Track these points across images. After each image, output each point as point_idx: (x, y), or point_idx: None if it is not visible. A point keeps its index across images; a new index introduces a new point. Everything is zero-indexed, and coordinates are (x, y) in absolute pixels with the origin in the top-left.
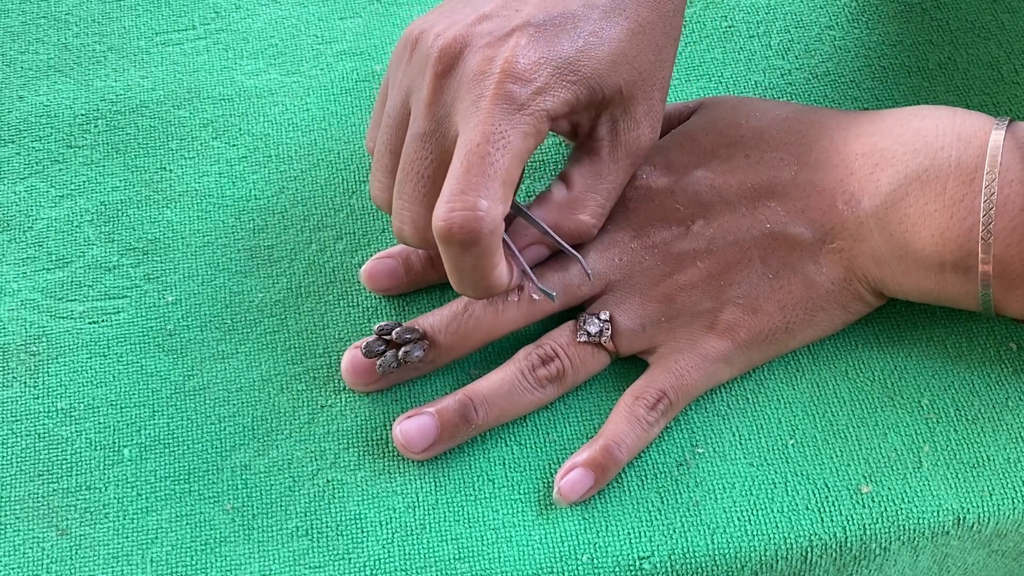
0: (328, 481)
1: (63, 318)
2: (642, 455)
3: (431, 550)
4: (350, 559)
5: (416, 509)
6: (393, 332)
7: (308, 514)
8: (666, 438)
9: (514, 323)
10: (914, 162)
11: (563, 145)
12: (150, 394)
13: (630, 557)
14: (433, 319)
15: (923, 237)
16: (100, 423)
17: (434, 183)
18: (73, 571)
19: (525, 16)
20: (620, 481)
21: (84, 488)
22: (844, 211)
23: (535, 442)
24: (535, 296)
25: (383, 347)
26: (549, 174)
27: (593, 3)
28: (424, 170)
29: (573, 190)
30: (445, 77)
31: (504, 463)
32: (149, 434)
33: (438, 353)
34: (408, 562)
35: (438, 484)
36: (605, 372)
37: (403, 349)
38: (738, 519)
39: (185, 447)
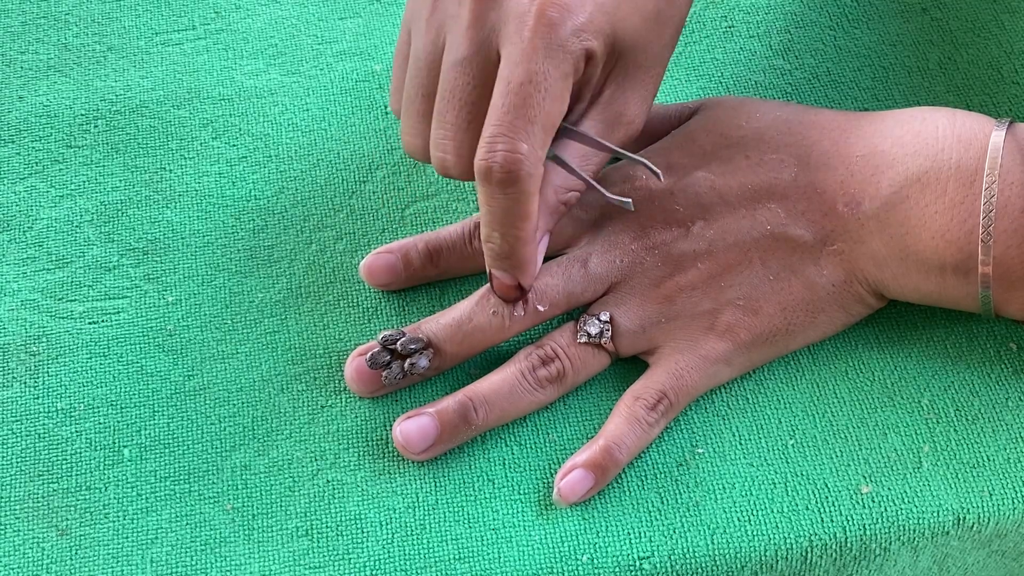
0: (328, 481)
1: (63, 318)
2: (642, 455)
3: (431, 550)
4: (350, 559)
5: (416, 509)
6: (398, 343)
7: (308, 514)
8: (666, 438)
9: (517, 330)
10: (914, 164)
11: None
12: (150, 394)
13: (630, 557)
14: (436, 327)
15: (923, 239)
16: (100, 423)
17: (478, 109)
18: (73, 571)
19: None
20: (620, 481)
21: (84, 488)
22: (845, 213)
23: (535, 442)
24: (613, 200)
25: (388, 357)
26: None
27: None
28: (467, 96)
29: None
30: (486, 4)
31: (504, 463)
32: (149, 434)
33: (443, 361)
34: (408, 562)
35: (438, 484)
36: (605, 372)
37: (409, 361)
38: (738, 519)
39: (185, 447)
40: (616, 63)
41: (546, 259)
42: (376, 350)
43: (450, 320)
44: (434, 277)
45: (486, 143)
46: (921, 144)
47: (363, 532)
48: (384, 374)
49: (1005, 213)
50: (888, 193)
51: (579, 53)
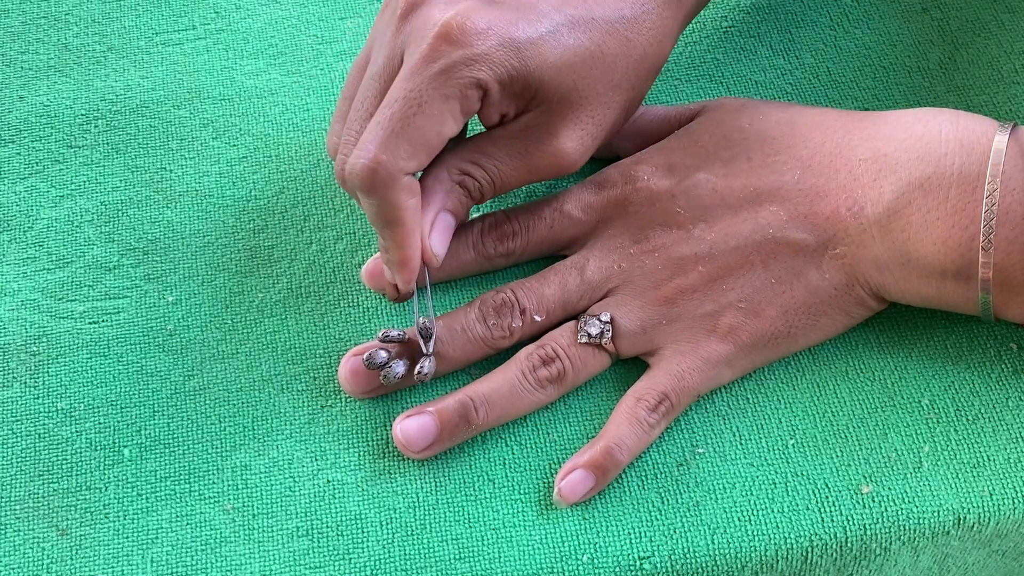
0: (328, 481)
1: (63, 318)
2: (642, 455)
3: (431, 550)
4: (350, 559)
5: (416, 509)
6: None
7: (308, 514)
8: (666, 438)
9: (514, 340)
10: (917, 169)
11: None
12: (150, 394)
13: (630, 557)
14: (437, 330)
15: (925, 245)
16: (100, 423)
17: None
18: (73, 571)
19: None
20: (620, 481)
21: (84, 488)
22: (847, 217)
23: (535, 442)
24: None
25: (386, 357)
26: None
27: (564, 9)
28: (371, 106)
29: (446, 151)
30: (404, 21)
31: (504, 463)
32: (149, 434)
33: (441, 364)
34: (408, 562)
35: (438, 484)
36: (606, 373)
37: (417, 367)
38: (738, 519)
39: (185, 447)
40: (535, 95)
41: (545, 260)
42: (373, 350)
43: (451, 325)
44: (436, 280)
45: (353, 152)
46: (924, 148)
47: (363, 532)
48: (383, 373)
49: (1006, 220)
50: (891, 198)
51: (466, 81)
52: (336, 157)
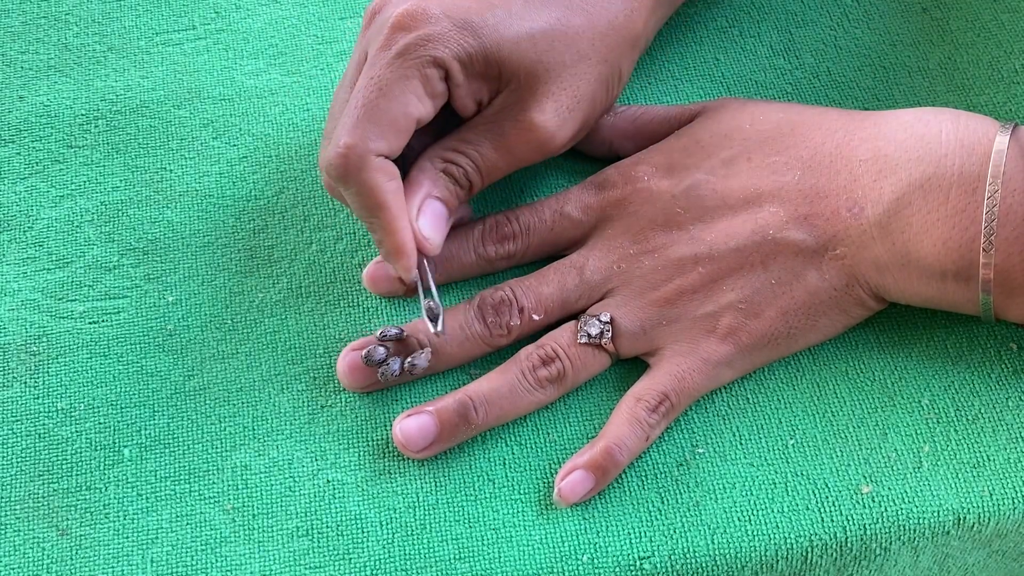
0: (328, 481)
1: (63, 318)
2: (642, 455)
3: (431, 550)
4: (350, 559)
5: (416, 509)
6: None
7: (308, 514)
8: (666, 438)
9: (512, 339)
10: (917, 170)
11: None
12: (150, 394)
13: (630, 557)
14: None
15: (925, 246)
16: (100, 423)
17: None
18: (73, 571)
19: None
20: (620, 481)
21: (84, 488)
22: (847, 218)
23: (535, 442)
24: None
25: (384, 354)
26: (549, 175)
27: None
28: (340, 111)
29: (433, 144)
30: (366, 28)
31: (504, 463)
32: (149, 434)
33: (439, 361)
34: (408, 562)
35: (438, 484)
36: (606, 373)
37: (409, 359)
38: (738, 519)
39: (185, 447)
40: (501, 74)
41: (546, 261)
42: (372, 347)
43: (449, 322)
44: (437, 283)
45: (325, 143)
46: (924, 149)
47: (363, 532)
48: (380, 370)
49: (1007, 220)
50: (891, 199)
51: (422, 59)
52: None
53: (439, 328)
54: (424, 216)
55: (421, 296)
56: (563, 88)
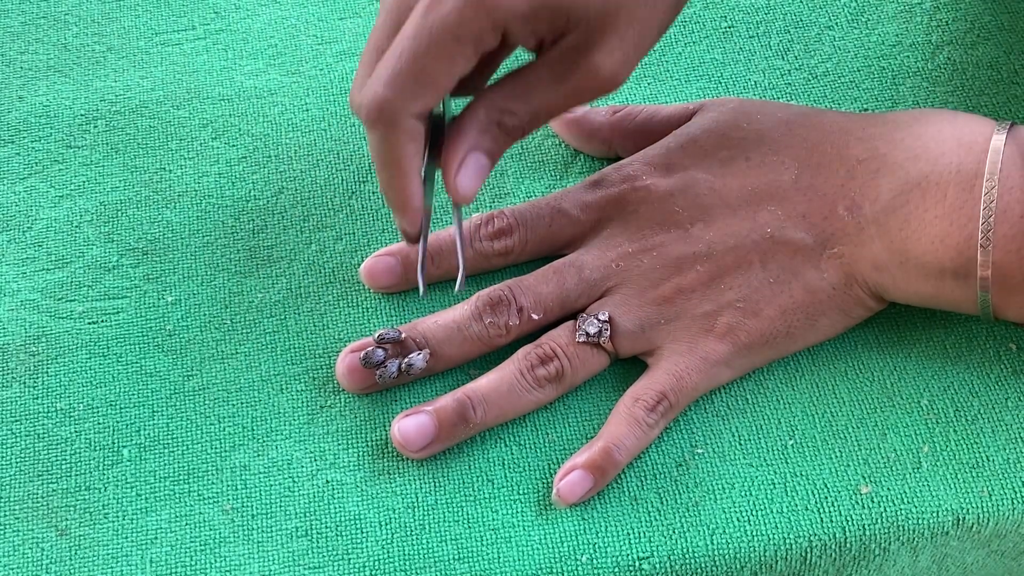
0: (328, 481)
1: (63, 318)
2: (642, 455)
3: (431, 550)
4: (350, 559)
5: (416, 509)
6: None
7: (308, 514)
8: (666, 439)
9: (511, 338)
10: (915, 168)
11: (563, 145)
12: (150, 394)
13: (630, 557)
14: (433, 328)
15: (923, 244)
16: (100, 423)
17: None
18: (73, 571)
19: None
20: (620, 481)
21: (84, 488)
22: (845, 217)
23: (535, 442)
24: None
25: (382, 356)
26: (548, 175)
27: None
28: (380, 38)
29: (485, 93)
30: None
31: (504, 463)
32: (149, 434)
33: (437, 362)
34: (408, 562)
35: (438, 484)
36: (605, 373)
37: (406, 360)
38: (738, 519)
39: (185, 447)
40: (568, 19)
41: (544, 260)
42: (370, 349)
43: (447, 322)
44: (435, 278)
45: (361, 83)
46: (921, 148)
47: (362, 532)
48: (378, 372)
49: (1005, 218)
50: (888, 197)
51: (482, 23)
52: (351, 94)
53: (460, 286)
54: (465, 170)
55: (420, 264)
56: (632, 26)
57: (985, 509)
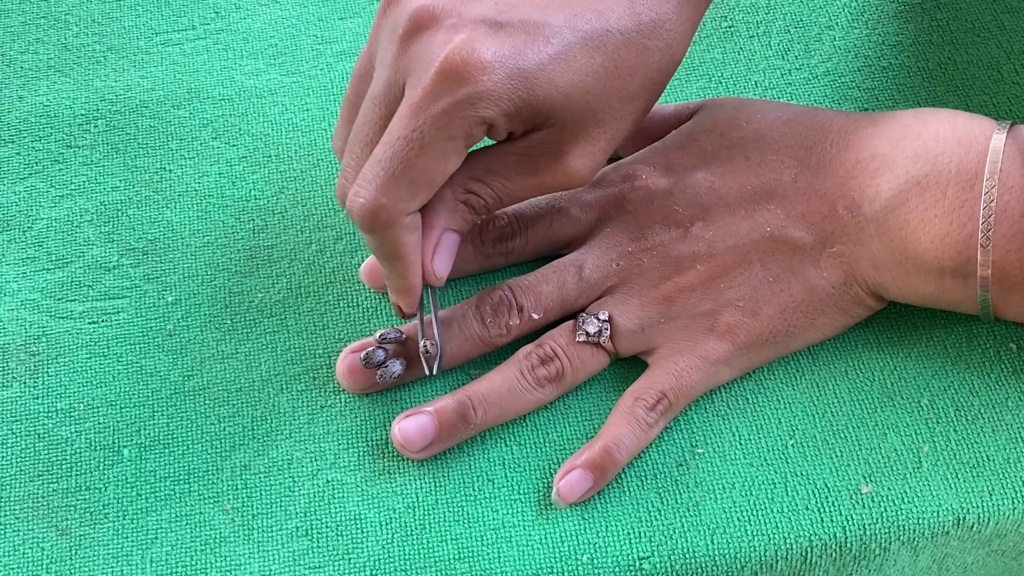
0: (328, 481)
1: (63, 318)
2: (642, 455)
3: (431, 550)
4: (350, 559)
5: (416, 509)
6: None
7: (308, 514)
8: (666, 438)
9: (511, 339)
10: (914, 167)
11: None
12: (150, 394)
13: (630, 557)
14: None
15: (923, 243)
16: (100, 423)
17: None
18: (73, 571)
19: (500, 9)
20: (620, 481)
21: (84, 488)
22: (844, 216)
23: (535, 442)
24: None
25: (383, 356)
26: None
27: (576, 25)
28: (371, 132)
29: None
30: (408, 42)
31: (504, 463)
32: (149, 434)
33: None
34: (408, 562)
35: (438, 484)
36: (605, 372)
37: (401, 361)
38: (738, 519)
39: (185, 447)
40: (547, 119)
41: (546, 260)
42: (371, 349)
43: (447, 322)
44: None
45: (353, 187)
46: (921, 147)
47: (363, 532)
48: (379, 372)
49: (1004, 217)
50: (888, 196)
51: (472, 120)
52: (339, 184)
53: (434, 371)
54: (440, 253)
55: (420, 334)
56: (604, 132)
57: (985, 509)
